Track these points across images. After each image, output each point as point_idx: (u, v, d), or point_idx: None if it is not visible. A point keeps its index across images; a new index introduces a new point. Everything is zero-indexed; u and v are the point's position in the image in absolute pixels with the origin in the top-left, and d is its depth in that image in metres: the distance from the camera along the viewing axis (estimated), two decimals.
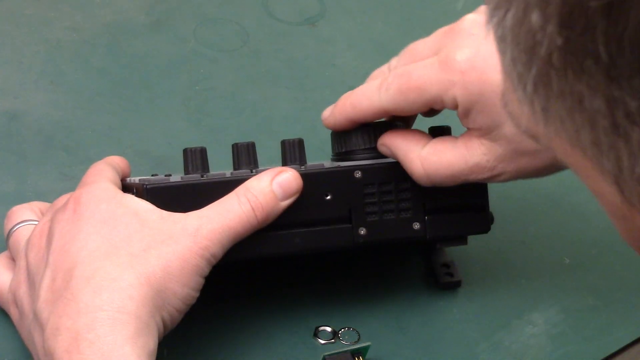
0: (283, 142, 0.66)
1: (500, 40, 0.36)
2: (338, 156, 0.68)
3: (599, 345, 0.71)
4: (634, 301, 0.74)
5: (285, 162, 0.66)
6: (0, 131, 0.77)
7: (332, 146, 0.69)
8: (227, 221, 0.60)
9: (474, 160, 0.62)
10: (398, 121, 0.67)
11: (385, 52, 0.78)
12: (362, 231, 0.65)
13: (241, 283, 0.71)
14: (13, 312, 0.63)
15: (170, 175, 0.65)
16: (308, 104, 0.83)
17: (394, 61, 0.67)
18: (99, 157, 0.69)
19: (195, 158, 0.64)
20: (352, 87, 0.67)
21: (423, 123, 0.68)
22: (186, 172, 0.64)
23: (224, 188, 0.62)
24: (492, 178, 0.63)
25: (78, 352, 0.55)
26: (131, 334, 0.56)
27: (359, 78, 0.71)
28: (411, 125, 0.69)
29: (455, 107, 0.62)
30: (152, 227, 0.60)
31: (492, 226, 0.69)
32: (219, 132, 0.81)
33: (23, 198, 0.71)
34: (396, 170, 0.65)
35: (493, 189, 0.69)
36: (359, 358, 0.66)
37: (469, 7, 0.64)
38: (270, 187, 0.62)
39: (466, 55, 0.60)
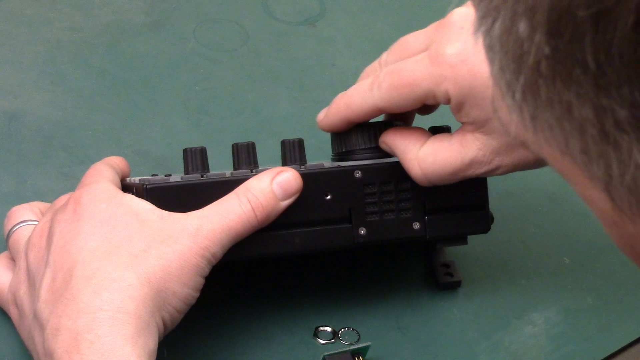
0: (283, 142, 0.66)
1: (489, 49, 0.36)
2: (338, 156, 0.68)
3: (599, 345, 0.71)
4: (634, 301, 0.74)
5: (285, 162, 0.66)
6: (0, 131, 0.77)
7: (332, 146, 0.69)
8: (227, 221, 0.60)
9: (470, 156, 0.62)
10: (397, 120, 0.67)
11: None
12: (362, 231, 0.65)
13: (241, 283, 0.71)
14: (13, 312, 0.63)
15: (170, 175, 0.65)
16: (308, 104, 0.83)
17: (384, 55, 0.67)
18: (99, 157, 0.69)
19: (195, 158, 0.64)
20: None
21: (423, 122, 0.68)
22: (186, 172, 0.64)
23: (224, 188, 0.62)
24: (490, 172, 0.63)
25: (78, 352, 0.55)
26: (131, 334, 0.56)
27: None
28: (411, 123, 0.69)
29: (447, 101, 0.62)
30: (152, 227, 0.60)
31: (492, 226, 0.69)
32: (219, 132, 0.81)
33: (23, 198, 0.71)
34: (396, 170, 0.65)
35: (493, 189, 0.69)
36: (359, 358, 0.66)
37: None
38: (271, 187, 0.62)
39: (456, 49, 0.60)
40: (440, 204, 0.66)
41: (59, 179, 0.75)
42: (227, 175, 0.63)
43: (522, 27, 0.34)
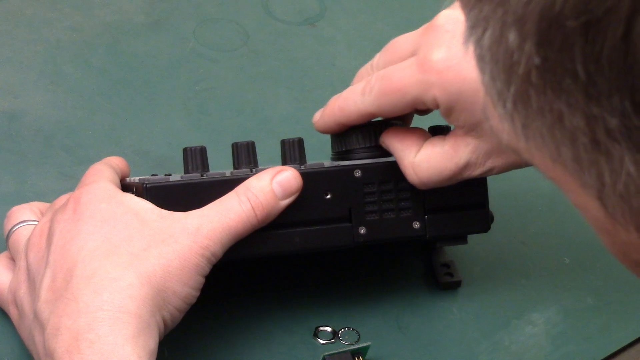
0: (283, 142, 0.66)
1: (479, 58, 0.36)
2: (338, 155, 0.68)
3: (599, 345, 0.71)
4: (634, 301, 0.74)
5: (285, 162, 0.66)
6: (0, 131, 0.77)
7: (331, 145, 0.69)
8: (227, 220, 0.60)
9: (464, 160, 0.62)
10: (396, 119, 0.67)
11: None
12: (362, 230, 0.65)
13: (241, 283, 0.71)
14: (13, 313, 0.63)
15: (170, 175, 0.65)
16: (308, 104, 0.83)
17: (376, 58, 0.67)
18: (99, 157, 0.69)
19: (195, 157, 0.64)
20: None
21: (423, 122, 0.68)
22: (186, 171, 0.64)
23: (223, 187, 0.62)
24: (485, 173, 0.63)
25: (78, 352, 0.55)
26: (132, 333, 0.56)
27: None
28: (409, 122, 0.69)
29: (436, 107, 0.62)
30: (152, 226, 0.60)
31: (492, 226, 0.69)
32: (219, 132, 0.81)
33: (23, 198, 0.71)
34: (396, 169, 0.65)
35: (493, 189, 0.69)
36: (359, 358, 0.66)
37: None
38: (270, 186, 0.62)
39: (442, 54, 0.60)
40: (440, 203, 0.66)
41: (59, 179, 0.75)
42: (227, 175, 0.63)
43: (512, 37, 0.34)
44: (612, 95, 0.32)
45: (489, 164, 0.62)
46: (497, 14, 0.34)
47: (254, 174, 0.63)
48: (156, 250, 0.59)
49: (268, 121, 0.83)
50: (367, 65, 0.68)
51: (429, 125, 0.67)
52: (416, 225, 0.66)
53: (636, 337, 0.72)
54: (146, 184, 0.62)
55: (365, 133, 0.67)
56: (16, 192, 0.73)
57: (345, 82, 0.69)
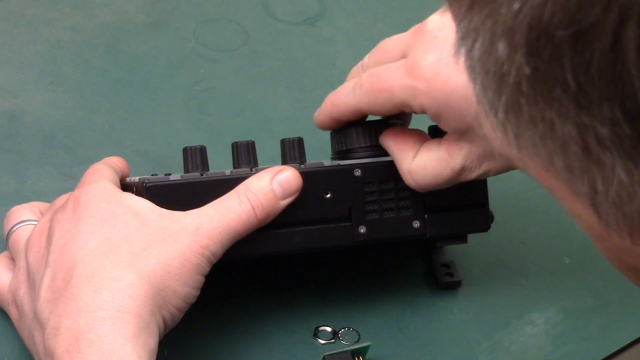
0: (283, 141, 0.66)
1: (470, 69, 0.36)
2: (337, 155, 0.68)
3: (599, 345, 0.71)
4: (634, 301, 0.74)
5: (284, 161, 0.66)
6: (0, 131, 0.77)
7: (331, 145, 0.69)
8: (227, 220, 0.61)
9: (458, 165, 0.63)
10: (395, 118, 0.67)
11: None
12: (362, 229, 0.65)
13: (241, 283, 0.71)
14: (13, 312, 0.63)
15: (170, 174, 0.65)
16: (308, 103, 0.83)
17: (366, 58, 0.67)
18: (99, 157, 0.69)
19: (195, 157, 0.64)
20: None
21: (424, 121, 0.68)
22: (186, 170, 0.64)
23: (223, 186, 0.62)
24: (481, 176, 0.63)
25: (78, 352, 0.55)
26: (131, 333, 0.56)
27: None
28: (409, 120, 0.69)
29: (424, 113, 0.62)
30: (152, 225, 0.60)
31: (492, 226, 0.69)
32: (219, 132, 0.81)
33: (23, 198, 0.71)
34: (396, 168, 0.65)
35: (493, 189, 0.69)
36: (359, 358, 0.66)
37: None
38: (271, 186, 0.62)
39: (430, 61, 0.60)
40: (440, 202, 0.66)
41: (59, 179, 0.75)
42: (227, 174, 0.63)
43: (502, 48, 0.34)
44: (603, 104, 0.32)
45: (484, 167, 0.63)
46: (486, 25, 0.34)
47: (254, 173, 0.63)
48: (156, 250, 0.59)
49: (268, 121, 0.83)
50: (358, 65, 0.68)
51: (429, 125, 0.67)
52: (416, 224, 0.66)
53: (636, 337, 0.72)
54: (146, 183, 0.62)
55: (365, 132, 0.67)
56: (16, 192, 0.73)
57: (345, 82, 0.69)
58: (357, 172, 0.65)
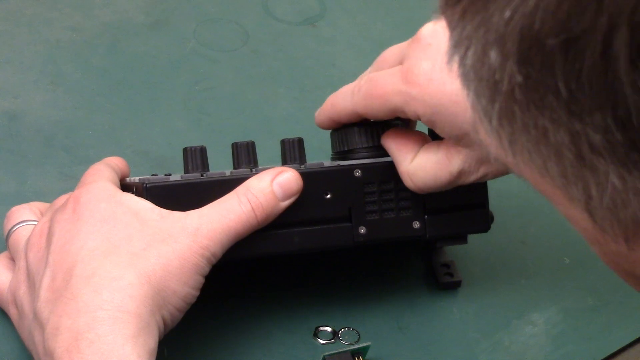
0: (283, 142, 0.66)
1: (463, 76, 0.36)
2: (337, 155, 0.68)
3: (599, 345, 0.71)
4: (633, 301, 0.74)
5: (285, 162, 0.66)
6: (0, 131, 0.77)
7: (331, 145, 0.69)
8: (227, 221, 0.61)
9: (457, 168, 0.63)
10: (395, 119, 0.68)
11: None
12: (362, 230, 0.65)
13: (241, 283, 0.71)
14: (12, 313, 0.63)
15: (170, 175, 0.65)
16: (308, 104, 0.83)
17: (369, 70, 0.68)
18: (99, 157, 0.69)
19: (195, 157, 0.64)
20: None
21: None
22: (186, 171, 0.64)
23: (223, 187, 0.62)
24: (480, 179, 0.64)
25: (78, 352, 0.55)
26: (131, 333, 0.56)
27: None
28: (413, 123, 0.69)
29: (418, 119, 0.62)
30: (152, 226, 0.60)
31: (492, 226, 0.69)
32: (219, 132, 0.81)
33: (23, 198, 0.71)
34: (396, 169, 0.65)
35: (493, 189, 0.69)
36: (359, 358, 0.66)
37: None
38: (271, 187, 0.62)
39: (424, 68, 0.61)
40: (440, 203, 0.66)
41: (59, 179, 0.75)
42: (227, 175, 0.63)
43: (494, 56, 0.34)
44: (594, 111, 0.32)
45: (482, 171, 0.63)
46: (478, 33, 0.34)
47: (254, 174, 0.63)
48: (156, 250, 0.59)
49: (268, 121, 0.83)
50: (366, 71, 0.69)
51: None
52: (416, 225, 0.66)
53: (636, 337, 0.72)
54: (146, 183, 0.62)
55: (366, 133, 0.67)
56: (16, 192, 0.73)
57: (345, 82, 0.69)
58: (357, 173, 0.65)
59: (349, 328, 0.69)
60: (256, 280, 0.72)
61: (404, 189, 0.65)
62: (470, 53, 0.35)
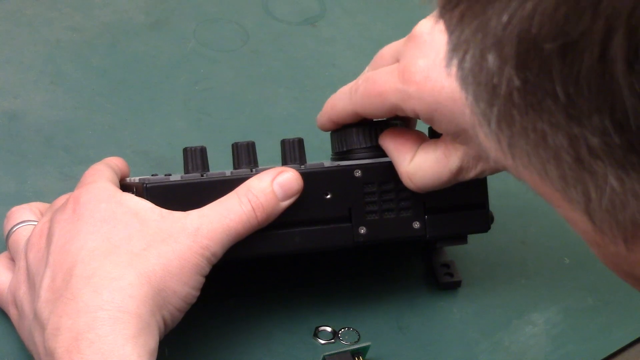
0: (283, 142, 0.66)
1: (462, 80, 0.37)
2: (338, 155, 0.68)
3: (599, 345, 0.71)
4: (634, 301, 0.74)
5: (285, 162, 0.66)
6: (0, 131, 0.77)
7: (331, 145, 0.69)
8: (227, 221, 0.61)
9: (455, 165, 0.63)
10: (395, 119, 0.68)
11: None
12: (362, 230, 0.65)
13: (241, 283, 0.71)
14: (12, 313, 0.63)
15: (170, 175, 0.65)
16: (308, 104, 0.83)
17: (366, 69, 0.68)
18: (99, 157, 0.69)
19: (195, 157, 0.64)
20: None
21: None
22: (186, 171, 0.64)
23: (224, 187, 0.62)
24: (479, 174, 0.64)
25: (78, 352, 0.55)
26: (132, 333, 0.56)
27: None
28: (413, 122, 0.69)
29: (416, 116, 0.62)
30: (152, 226, 0.60)
31: (492, 226, 0.69)
32: (219, 132, 0.81)
33: (23, 198, 0.71)
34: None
35: (493, 189, 0.69)
36: (359, 358, 0.66)
37: None
38: (271, 188, 0.62)
39: (420, 66, 0.61)
40: (440, 203, 0.66)
41: (59, 179, 0.75)
42: (227, 175, 0.63)
43: (492, 60, 0.34)
44: (592, 115, 0.32)
45: (480, 167, 0.63)
46: (476, 37, 0.34)
47: (254, 174, 0.63)
48: (156, 250, 0.59)
49: (268, 121, 0.83)
50: (365, 70, 0.69)
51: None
52: (416, 225, 0.66)
53: (636, 337, 0.72)
54: (146, 183, 0.62)
55: (365, 133, 0.67)
56: (16, 192, 0.73)
57: (345, 82, 0.69)
58: (357, 173, 0.65)
59: (349, 328, 0.69)
60: (256, 280, 0.72)
61: (404, 189, 0.65)
62: (468, 57, 0.35)
